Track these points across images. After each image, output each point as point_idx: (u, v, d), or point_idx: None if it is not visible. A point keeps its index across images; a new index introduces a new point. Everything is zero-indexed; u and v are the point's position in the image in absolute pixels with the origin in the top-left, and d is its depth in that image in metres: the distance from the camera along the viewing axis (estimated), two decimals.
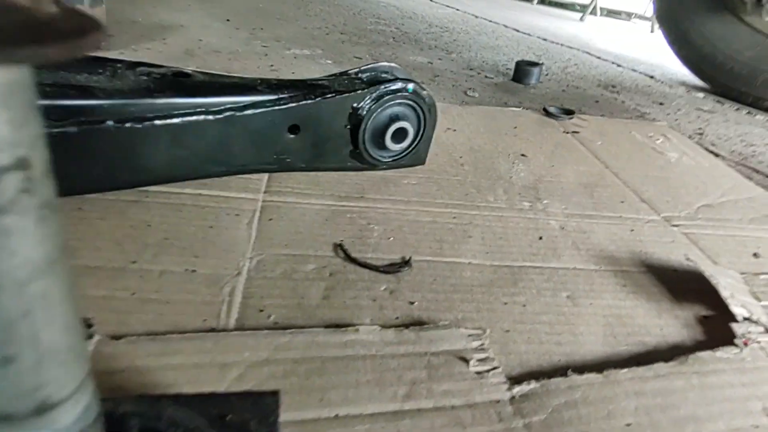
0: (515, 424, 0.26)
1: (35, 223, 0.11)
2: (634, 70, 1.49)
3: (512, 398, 0.27)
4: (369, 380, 0.27)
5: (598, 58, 1.58)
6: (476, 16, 2.02)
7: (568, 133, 0.74)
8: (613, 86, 1.21)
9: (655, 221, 0.52)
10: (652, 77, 1.44)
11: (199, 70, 0.42)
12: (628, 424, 0.27)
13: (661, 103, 1.13)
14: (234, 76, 0.43)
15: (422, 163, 0.53)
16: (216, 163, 0.41)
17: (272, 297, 0.32)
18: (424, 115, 0.49)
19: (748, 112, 1.19)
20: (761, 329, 0.36)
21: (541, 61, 1.09)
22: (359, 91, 0.45)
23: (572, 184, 0.57)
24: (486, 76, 1.05)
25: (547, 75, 1.16)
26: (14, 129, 0.10)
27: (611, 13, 3.87)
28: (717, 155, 0.80)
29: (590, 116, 0.83)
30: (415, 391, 0.27)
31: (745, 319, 0.36)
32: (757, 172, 0.78)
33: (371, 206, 0.44)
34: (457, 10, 2.13)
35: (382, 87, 0.45)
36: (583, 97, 1.03)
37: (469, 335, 0.31)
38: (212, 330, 0.28)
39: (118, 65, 0.38)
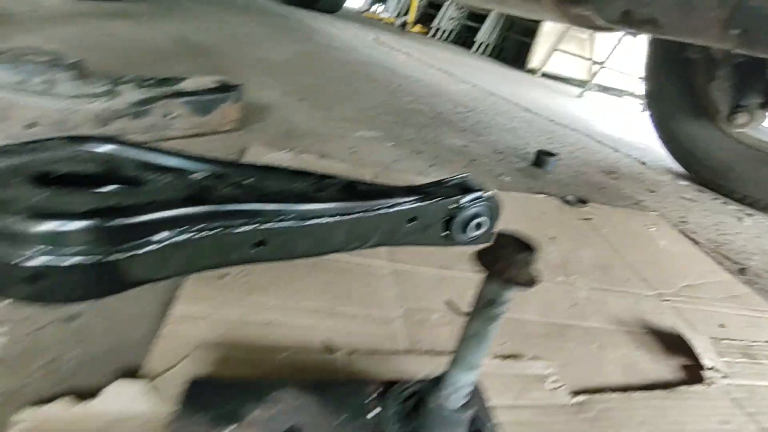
0: (575, 417, 0.45)
1: None
2: (629, 156, 1.75)
3: (573, 404, 0.46)
4: (491, 386, 0.46)
5: (599, 142, 1.85)
6: (491, 93, 2.30)
7: (582, 219, 0.95)
8: (613, 172, 1.45)
9: (651, 296, 0.72)
10: (644, 163, 1.69)
11: (360, 179, 0.63)
12: (640, 423, 0.46)
13: (652, 191, 1.36)
14: (378, 185, 0.64)
15: (489, 242, 0.74)
16: (365, 242, 0.61)
17: (421, 334, 0.51)
18: (493, 211, 0.70)
19: (723, 202, 1.44)
20: (720, 375, 0.56)
21: (556, 152, 1.33)
22: (455, 197, 0.66)
23: (591, 264, 0.78)
24: (510, 161, 1.28)
25: (558, 158, 1.39)
26: None
27: (606, 90, 4.26)
28: (696, 242, 1.02)
29: (599, 205, 1.06)
30: (519, 395, 0.46)
31: (710, 368, 0.56)
32: (728, 258, 1.00)
33: (461, 275, 0.65)
34: (474, 85, 2.42)
35: (469, 195, 0.67)
36: (590, 184, 1.27)
37: (545, 366, 0.50)
38: (395, 352, 0.48)
39: (314, 178, 0.59)
